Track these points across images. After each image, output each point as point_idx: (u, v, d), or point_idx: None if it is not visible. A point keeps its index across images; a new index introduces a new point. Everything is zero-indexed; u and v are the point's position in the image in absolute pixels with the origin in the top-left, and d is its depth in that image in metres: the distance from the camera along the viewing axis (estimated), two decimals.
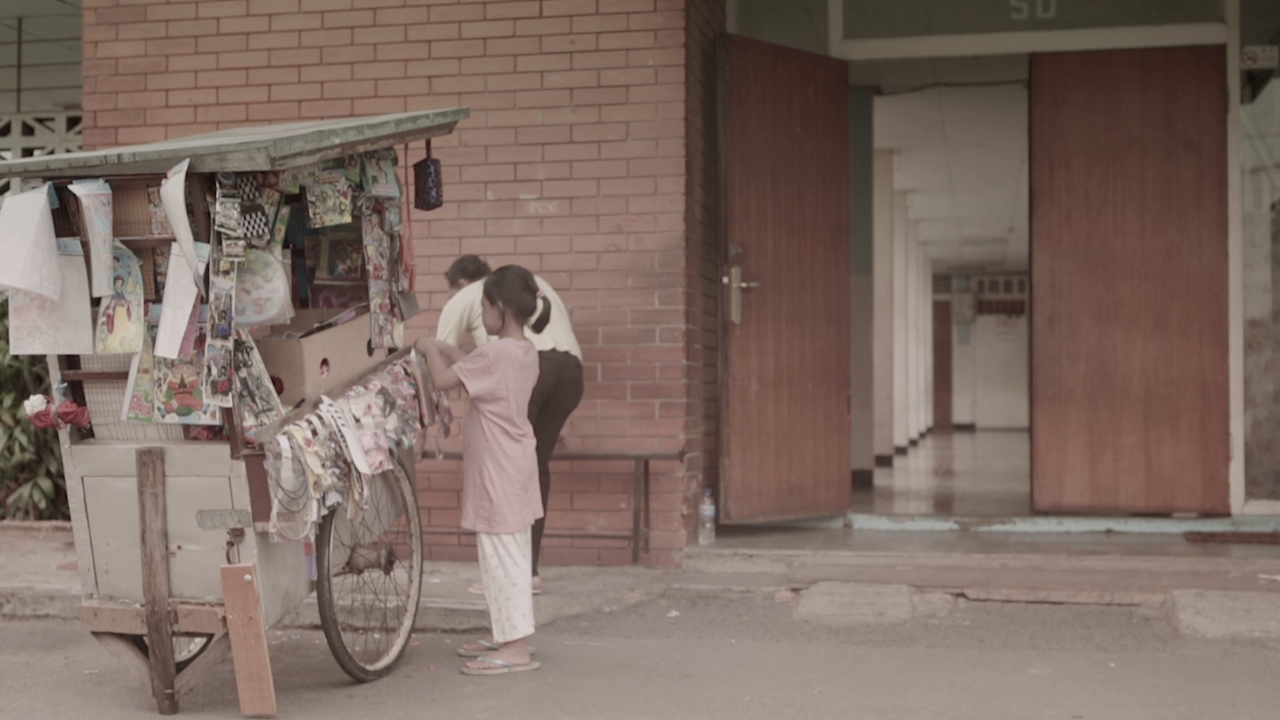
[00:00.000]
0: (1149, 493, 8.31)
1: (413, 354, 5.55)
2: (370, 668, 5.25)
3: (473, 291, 6.64)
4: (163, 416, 4.58)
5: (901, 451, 16.14)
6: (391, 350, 5.53)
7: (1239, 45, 8.30)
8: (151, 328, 4.56)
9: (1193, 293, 8.29)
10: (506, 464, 5.43)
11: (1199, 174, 8.29)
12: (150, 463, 4.63)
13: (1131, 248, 8.37)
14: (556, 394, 6.64)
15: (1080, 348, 8.42)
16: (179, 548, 4.69)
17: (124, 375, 4.64)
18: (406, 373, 5.46)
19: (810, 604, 6.52)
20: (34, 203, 4.50)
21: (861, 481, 10.97)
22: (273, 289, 4.64)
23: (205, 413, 4.55)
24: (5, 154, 10.59)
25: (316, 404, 4.85)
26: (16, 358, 8.60)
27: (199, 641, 5.19)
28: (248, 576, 4.56)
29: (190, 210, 4.43)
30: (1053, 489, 8.44)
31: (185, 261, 4.44)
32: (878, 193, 12.60)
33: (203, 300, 4.47)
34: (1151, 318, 8.33)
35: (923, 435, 20.68)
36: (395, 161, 5.50)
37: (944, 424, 25.11)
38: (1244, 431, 8.31)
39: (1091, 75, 8.45)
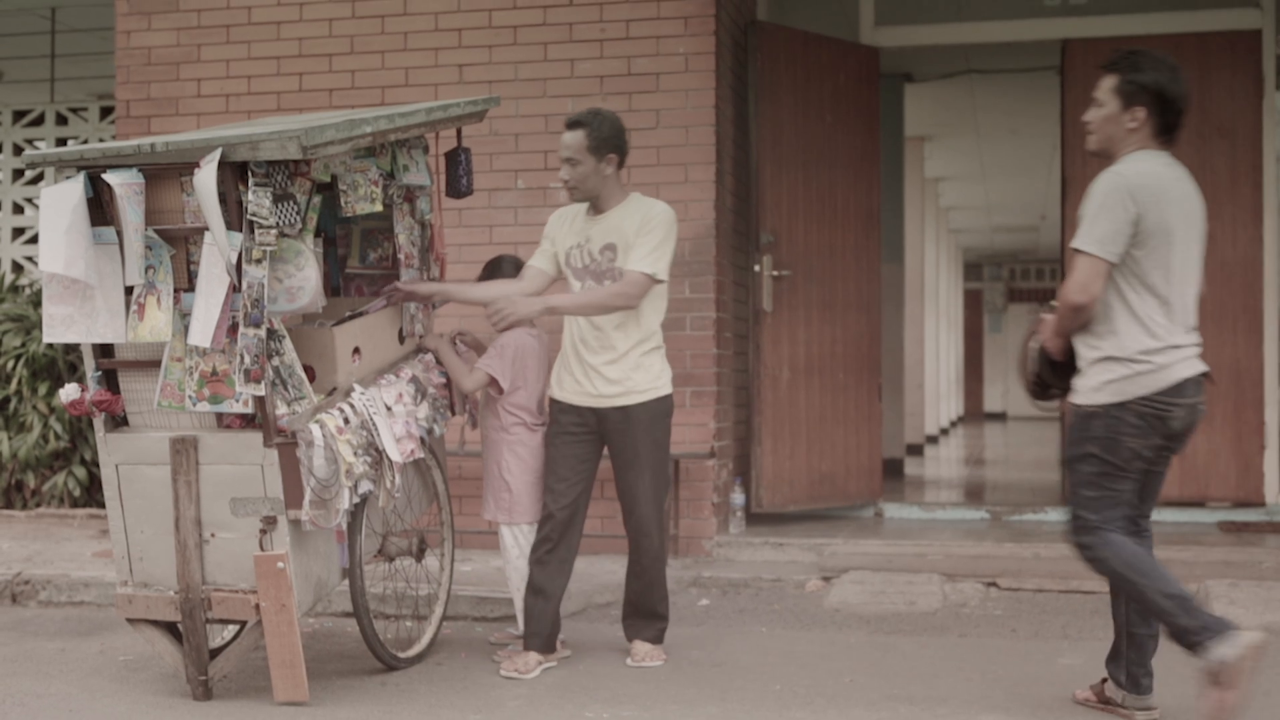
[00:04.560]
0: (1182, 482, 8.26)
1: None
2: (402, 655, 5.27)
3: None
4: (195, 405, 4.60)
5: (932, 440, 16.10)
6: (423, 338, 5.54)
7: (1274, 31, 8.23)
8: (184, 316, 4.58)
9: (1226, 281, 8.23)
10: (525, 454, 5.43)
11: (1233, 161, 8.23)
12: (184, 451, 4.65)
13: None
14: None
15: None
16: (212, 535, 4.71)
17: (158, 364, 4.66)
18: (438, 361, 5.48)
19: (841, 593, 6.51)
20: (71, 192, 4.53)
21: (892, 470, 10.94)
22: (305, 277, 4.65)
23: (238, 401, 4.56)
24: (39, 144, 10.66)
25: (348, 392, 4.87)
26: (51, 346, 8.66)
27: (232, 629, 5.22)
28: (280, 564, 4.58)
29: (223, 199, 4.45)
30: None
31: (218, 250, 4.45)
32: (909, 180, 12.56)
33: (235, 289, 4.49)
34: None
35: (954, 424, 20.63)
36: (426, 150, 5.51)
37: (975, 413, 25.04)
38: (1278, 420, 8.25)
39: None
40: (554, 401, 5.38)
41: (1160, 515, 8.15)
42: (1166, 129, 4.42)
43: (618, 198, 5.33)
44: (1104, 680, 4.66)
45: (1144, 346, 4.31)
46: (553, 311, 5.33)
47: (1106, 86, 4.47)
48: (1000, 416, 25.27)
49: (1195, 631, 4.17)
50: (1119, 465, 4.36)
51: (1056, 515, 8.34)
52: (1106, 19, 8.53)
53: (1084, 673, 5.11)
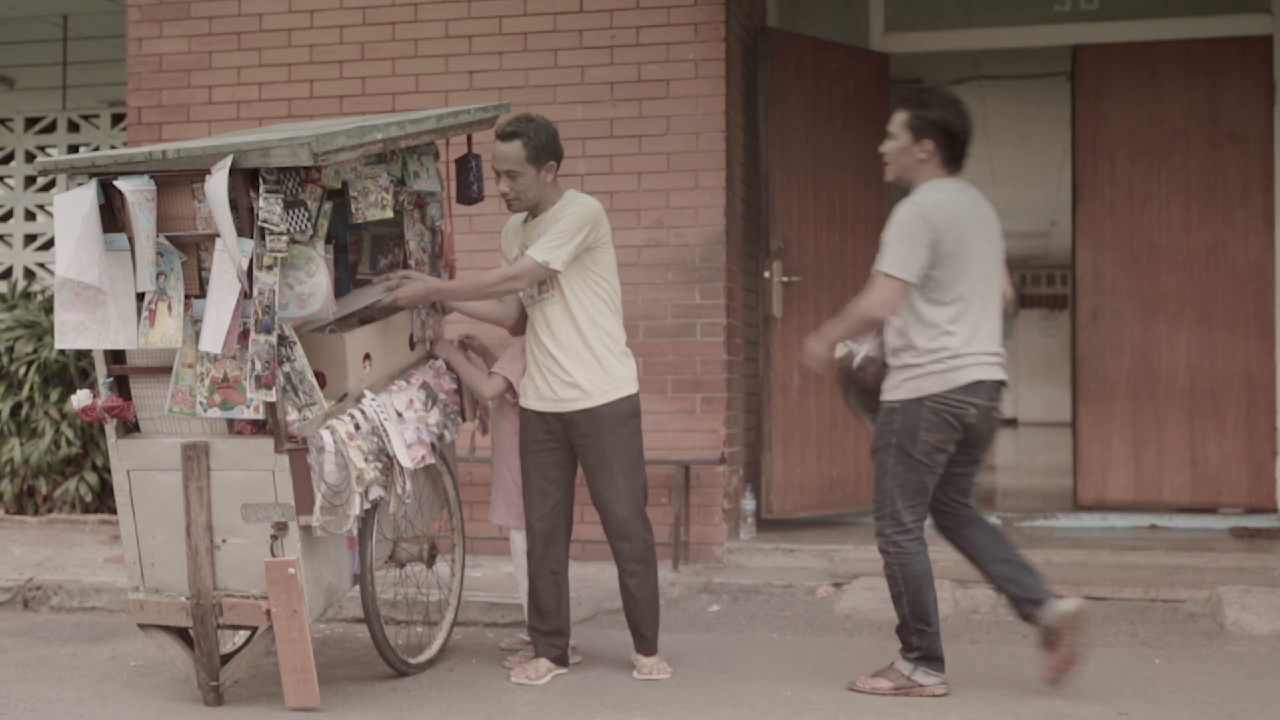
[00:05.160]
0: (1194, 488, 8.25)
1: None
2: (413, 661, 5.27)
3: None
4: (206, 411, 4.61)
5: None
6: (433, 346, 5.54)
7: None
8: (196, 323, 4.59)
9: (1238, 286, 8.22)
10: None
11: (1244, 167, 8.22)
12: (195, 457, 4.66)
13: (1176, 241, 8.31)
14: None
15: (1124, 342, 8.36)
16: (223, 541, 4.72)
17: (169, 370, 4.67)
18: (449, 367, 5.48)
19: (852, 599, 6.50)
20: (84, 199, 4.54)
21: None
22: (315, 284, 4.66)
23: (249, 407, 4.57)
24: (51, 150, 10.69)
25: (359, 398, 4.88)
26: (63, 352, 8.68)
27: (243, 634, 5.23)
28: (291, 570, 4.59)
29: (234, 206, 4.46)
30: (1096, 484, 8.38)
31: (229, 257, 4.46)
32: None
33: (246, 295, 4.49)
34: (1196, 312, 8.26)
35: None
36: (437, 156, 5.52)
37: None
38: None
39: (1135, 67, 8.38)
40: (523, 410, 5.32)
41: (1171, 521, 8.19)
42: (954, 158, 4.95)
43: (553, 200, 5.25)
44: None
45: (939, 353, 4.77)
46: (439, 294, 5.28)
47: (898, 122, 4.96)
48: (1011, 422, 25.22)
49: (918, 651, 4.87)
50: (917, 457, 4.80)
51: (1068, 521, 8.33)
52: (1117, 25, 8.52)
53: (1095, 678, 5.10)
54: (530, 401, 5.27)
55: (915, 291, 4.79)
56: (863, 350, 5.00)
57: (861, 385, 5.00)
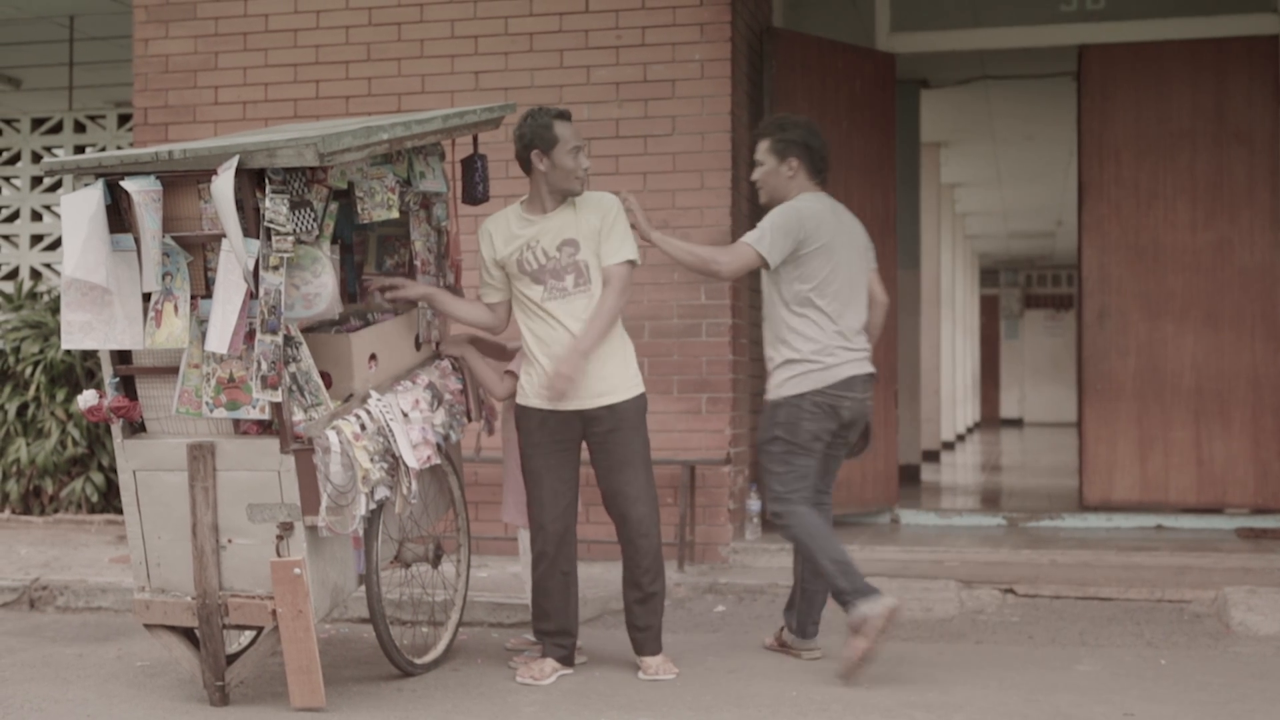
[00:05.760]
0: (1200, 488, 8.24)
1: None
2: (418, 661, 5.27)
3: None
4: (211, 411, 4.61)
5: (949, 446, 16.07)
6: (441, 346, 5.55)
7: None
8: (202, 323, 4.60)
9: (1244, 286, 8.21)
10: None
11: (1250, 167, 8.21)
12: (201, 457, 4.67)
13: (1182, 241, 8.30)
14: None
15: (1130, 342, 8.35)
16: (229, 541, 4.72)
17: (175, 370, 4.67)
18: (454, 367, 5.48)
19: None
20: (90, 199, 4.55)
21: (909, 476, 10.92)
22: (321, 284, 4.66)
23: (254, 407, 4.57)
24: (58, 151, 10.71)
25: (365, 399, 4.88)
26: (69, 353, 8.69)
27: (249, 634, 5.23)
28: (297, 570, 4.59)
29: (240, 206, 4.46)
30: (1102, 484, 8.38)
31: (235, 257, 4.47)
32: (925, 186, 12.55)
33: (252, 296, 4.50)
34: (1202, 312, 8.26)
35: (970, 430, 20.59)
36: (442, 157, 5.52)
37: (991, 419, 24.98)
38: None
39: (1141, 67, 8.38)
40: (527, 410, 5.20)
41: (1177, 521, 8.18)
42: (817, 171, 5.47)
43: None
44: (782, 628, 5.59)
45: (812, 351, 5.27)
46: (585, 351, 5.06)
47: (763, 148, 5.50)
48: (1017, 423, 25.22)
49: (849, 592, 5.09)
50: (800, 445, 5.27)
51: (1074, 522, 8.33)
52: (1123, 24, 8.52)
53: (1101, 679, 5.10)
54: (546, 401, 5.18)
55: (791, 300, 5.29)
56: None
57: None
